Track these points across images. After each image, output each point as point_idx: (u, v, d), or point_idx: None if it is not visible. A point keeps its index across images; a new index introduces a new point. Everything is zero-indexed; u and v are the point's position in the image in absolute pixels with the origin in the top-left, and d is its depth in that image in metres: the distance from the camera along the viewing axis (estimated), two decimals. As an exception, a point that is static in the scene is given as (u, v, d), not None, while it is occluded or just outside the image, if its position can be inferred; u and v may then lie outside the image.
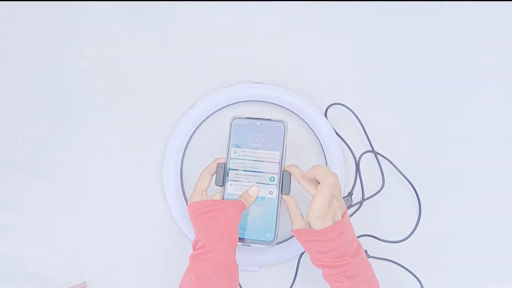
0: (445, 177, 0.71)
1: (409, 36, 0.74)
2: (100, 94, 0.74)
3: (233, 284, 0.56)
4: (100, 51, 0.74)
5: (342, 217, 0.55)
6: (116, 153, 0.72)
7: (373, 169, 0.71)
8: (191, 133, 0.70)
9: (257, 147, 0.61)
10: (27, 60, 0.75)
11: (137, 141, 0.72)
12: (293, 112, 0.70)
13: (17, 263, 0.70)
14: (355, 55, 0.74)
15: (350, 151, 0.71)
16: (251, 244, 0.60)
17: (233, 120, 0.62)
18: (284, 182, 0.60)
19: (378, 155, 0.71)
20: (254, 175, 0.61)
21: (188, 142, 0.70)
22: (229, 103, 0.71)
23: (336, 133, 0.71)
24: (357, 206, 0.70)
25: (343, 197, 0.69)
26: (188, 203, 0.59)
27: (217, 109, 0.71)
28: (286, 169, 0.60)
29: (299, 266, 0.68)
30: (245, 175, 0.61)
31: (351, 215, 0.69)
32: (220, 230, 0.55)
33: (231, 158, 0.61)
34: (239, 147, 0.61)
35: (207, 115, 0.71)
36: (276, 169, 0.60)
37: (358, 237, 0.66)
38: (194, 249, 0.56)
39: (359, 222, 0.68)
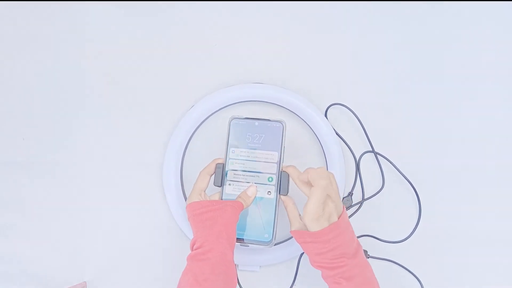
0: (445, 177, 0.71)
1: (409, 36, 0.74)
2: (100, 94, 0.74)
3: (231, 284, 0.56)
4: (100, 51, 0.75)
5: (339, 218, 0.55)
6: (116, 153, 0.72)
7: (373, 169, 0.71)
8: (191, 133, 0.70)
9: (256, 148, 0.61)
10: (27, 60, 0.75)
11: (137, 141, 0.72)
12: (293, 112, 0.70)
13: (17, 263, 0.71)
14: (355, 55, 0.74)
15: (350, 151, 0.71)
16: (249, 245, 0.60)
17: (231, 120, 0.62)
18: (282, 182, 0.60)
19: (378, 155, 0.71)
20: (252, 176, 0.60)
21: (188, 142, 0.70)
22: (229, 103, 0.71)
23: (336, 133, 0.71)
24: (357, 206, 0.70)
25: (343, 197, 0.69)
26: (186, 203, 0.59)
27: (217, 109, 0.71)
28: (284, 170, 0.60)
29: (299, 266, 0.67)
30: (244, 175, 0.61)
31: (351, 215, 0.69)
32: (218, 230, 0.55)
33: (229, 159, 0.61)
34: (237, 147, 0.61)
35: (207, 115, 0.71)
36: (274, 169, 0.60)
37: (358, 237, 0.66)
38: (192, 249, 0.56)
39: (359, 222, 0.68)
